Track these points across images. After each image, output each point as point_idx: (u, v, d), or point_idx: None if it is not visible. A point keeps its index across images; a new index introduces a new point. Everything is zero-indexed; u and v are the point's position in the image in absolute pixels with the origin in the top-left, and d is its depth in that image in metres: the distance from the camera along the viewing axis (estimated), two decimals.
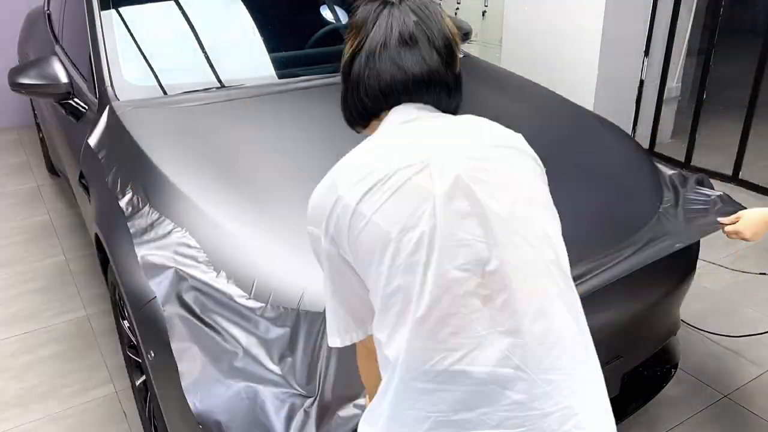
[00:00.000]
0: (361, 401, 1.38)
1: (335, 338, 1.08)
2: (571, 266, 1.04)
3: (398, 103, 1.07)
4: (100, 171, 2.10)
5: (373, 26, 1.06)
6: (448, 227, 0.93)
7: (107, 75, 2.39)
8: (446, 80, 1.07)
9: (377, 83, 1.05)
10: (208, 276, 1.58)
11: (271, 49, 2.75)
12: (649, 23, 4.02)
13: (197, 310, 1.51)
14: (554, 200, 1.07)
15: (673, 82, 4.34)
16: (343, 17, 3.11)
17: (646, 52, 4.10)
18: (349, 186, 0.97)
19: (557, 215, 1.05)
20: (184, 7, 2.72)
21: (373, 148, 1.03)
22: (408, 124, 1.05)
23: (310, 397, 1.39)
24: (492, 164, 0.99)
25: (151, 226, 1.76)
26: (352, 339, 1.08)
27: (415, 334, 0.92)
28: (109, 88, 2.35)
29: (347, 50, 1.10)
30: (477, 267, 0.93)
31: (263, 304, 1.53)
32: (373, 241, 0.94)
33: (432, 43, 1.05)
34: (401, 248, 0.93)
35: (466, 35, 3.30)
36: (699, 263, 2.10)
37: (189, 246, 1.67)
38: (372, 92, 1.06)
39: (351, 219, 0.96)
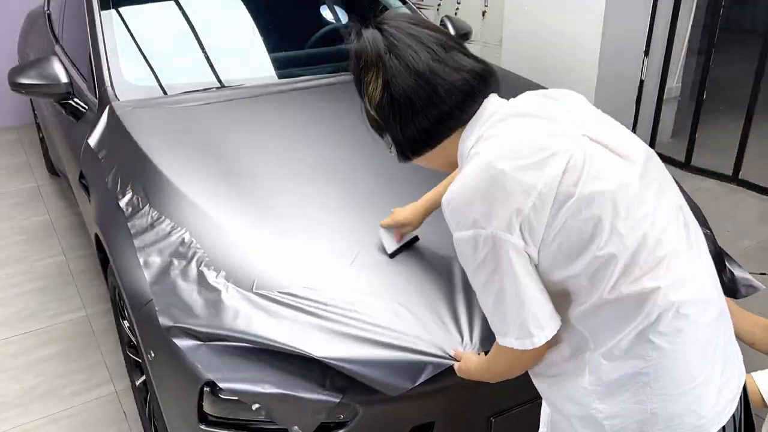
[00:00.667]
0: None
1: (555, 322, 1.07)
2: None
3: (477, 101, 1.11)
4: (100, 171, 2.10)
5: (392, 50, 1.09)
6: (644, 174, 1.06)
7: (107, 75, 2.39)
8: (487, 65, 1.14)
9: (456, 90, 1.09)
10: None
11: (271, 49, 2.75)
12: (649, 23, 4.02)
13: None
14: None
15: (673, 82, 4.34)
16: (343, 17, 3.11)
17: (646, 52, 4.09)
18: (535, 175, 1.00)
19: None
20: (184, 7, 2.72)
21: (516, 137, 1.06)
22: (515, 112, 1.10)
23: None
24: (612, 124, 1.14)
25: (151, 226, 1.76)
26: (551, 333, 1.07)
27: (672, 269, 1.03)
28: (109, 88, 2.35)
29: (377, 87, 1.11)
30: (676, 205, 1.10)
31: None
32: (596, 210, 1.01)
33: (455, 41, 1.13)
34: (630, 201, 1.02)
35: (465, 35, 3.30)
36: None
37: (189, 246, 1.67)
38: (455, 101, 1.09)
39: (552, 205, 1.00)
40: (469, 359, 1.37)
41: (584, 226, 1.01)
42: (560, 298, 1.09)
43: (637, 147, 1.10)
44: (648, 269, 1.02)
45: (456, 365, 1.39)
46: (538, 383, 1.23)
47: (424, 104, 1.09)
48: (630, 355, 1.05)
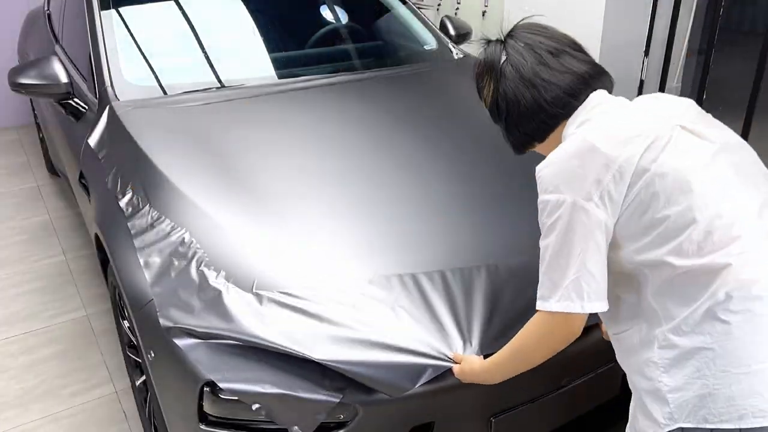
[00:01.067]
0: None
1: (599, 303, 1.13)
2: None
3: (581, 100, 1.23)
4: (100, 171, 2.10)
5: (508, 59, 1.25)
6: (725, 156, 1.13)
7: (107, 75, 2.39)
8: (598, 68, 1.27)
9: (559, 91, 1.21)
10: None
11: (271, 49, 2.75)
12: (649, 23, 4.02)
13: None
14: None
15: (673, 82, 4.33)
16: (343, 17, 3.11)
17: (646, 52, 4.09)
18: (618, 150, 1.10)
19: None
20: (184, 7, 2.72)
21: (611, 120, 1.17)
22: (617, 104, 1.22)
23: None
24: (708, 119, 1.21)
25: (151, 226, 1.76)
26: (590, 310, 1.13)
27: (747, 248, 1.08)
28: (109, 88, 2.35)
29: (489, 92, 1.28)
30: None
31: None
32: (668, 184, 1.08)
33: (570, 47, 1.26)
34: (704, 179, 1.09)
35: (466, 35, 3.30)
36: None
37: (189, 246, 1.67)
38: (557, 100, 1.22)
39: (631, 178, 1.09)
40: (470, 362, 1.37)
41: (656, 198, 1.08)
42: (637, 276, 1.15)
43: (727, 135, 1.18)
44: (721, 245, 1.06)
45: (456, 368, 1.39)
46: (621, 360, 1.28)
47: (529, 105, 1.23)
48: (697, 330, 1.08)
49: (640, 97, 1.28)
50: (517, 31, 1.29)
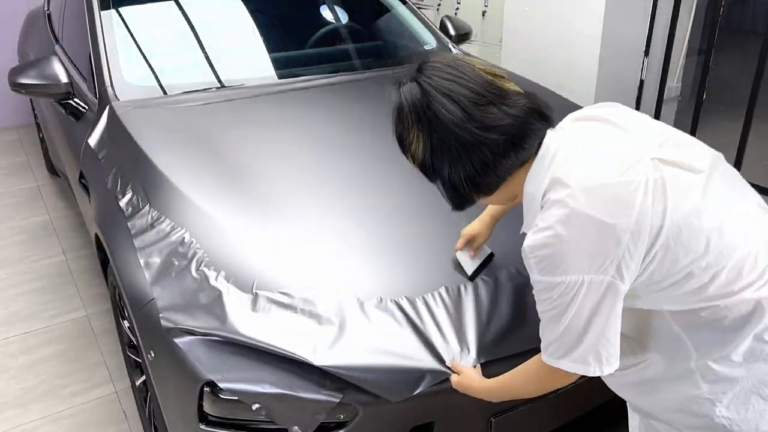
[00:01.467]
0: None
1: (615, 362, 1.08)
2: None
3: (526, 149, 1.09)
4: (100, 171, 2.10)
5: (435, 112, 1.06)
6: (716, 179, 1.07)
7: (107, 75, 2.39)
8: (532, 103, 1.09)
9: (498, 147, 1.06)
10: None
11: (271, 49, 2.75)
12: (649, 23, 4.02)
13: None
14: None
15: (673, 82, 4.33)
16: (343, 17, 3.11)
17: (646, 52, 4.09)
18: (624, 216, 0.99)
19: None
20: (184, 7, 2.72)
21: (594, 177, 1.03)
22: (581, 148, 1.08)
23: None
24: (679, 137, 1.13)
25: (151, 226, 1.76)
26: (608, 372, 1.08)
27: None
28: (109, 88, 2.35)
29: (419, 147, 1.10)
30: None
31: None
32: (684, 236, 1.01)
33: (495, 92, 1.07)
34: (714, 218, 1.02)
35: (466, 35, 3.30)
36: None
37: (189, 246, 1.67)
38: (500, 154, 1.07)
39: (648, 237, 1.00)
40: (469, 377, 1.36)
41: (675, 254, 1.02)
42: (653, 313, 1.11)
43: (704, 152, 1.11)
44: (751, 280, 1.03)
45: (454, 378, 1.39)
46: (633, 399, 1.23)
47: (467, 159, 1.08)
48: (751, 358, 1.06)
49: (581, 123, 1.15)
50: (429, 71, 1.10)
